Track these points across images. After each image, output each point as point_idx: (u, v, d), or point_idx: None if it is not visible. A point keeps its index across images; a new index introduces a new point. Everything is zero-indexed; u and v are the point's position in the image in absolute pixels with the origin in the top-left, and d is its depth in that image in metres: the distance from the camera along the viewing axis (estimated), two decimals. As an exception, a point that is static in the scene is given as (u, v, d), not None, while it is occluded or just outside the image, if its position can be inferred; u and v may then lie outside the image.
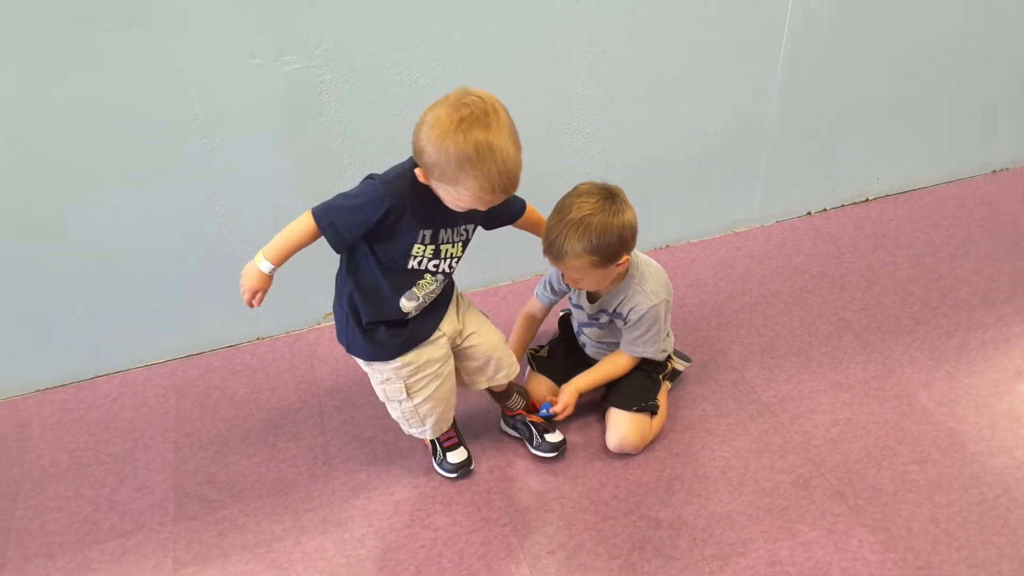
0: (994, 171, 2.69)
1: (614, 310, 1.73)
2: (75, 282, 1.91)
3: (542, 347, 1.95)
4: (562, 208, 1.58)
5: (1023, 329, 2.06)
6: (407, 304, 1.49)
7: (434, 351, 1.58)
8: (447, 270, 1.51)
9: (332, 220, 1.38)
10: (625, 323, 1.73)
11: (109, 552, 1.64)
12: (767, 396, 1.91)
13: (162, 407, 1.97)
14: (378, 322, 1.52)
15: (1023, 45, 2.44)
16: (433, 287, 1.51)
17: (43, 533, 1.69)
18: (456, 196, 1.33)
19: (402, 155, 1.42)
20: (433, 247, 1.45)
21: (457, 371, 1.68)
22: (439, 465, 1.76)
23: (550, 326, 2.05)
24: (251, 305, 1.46)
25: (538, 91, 2.00)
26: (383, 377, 1.60)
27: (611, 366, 1.79)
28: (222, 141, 1.82)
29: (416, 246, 1.43)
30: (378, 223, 1.38)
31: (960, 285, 2.22)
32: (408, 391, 1.59)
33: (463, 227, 1.49)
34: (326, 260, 2.08)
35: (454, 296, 1.63)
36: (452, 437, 1.76)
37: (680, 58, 2.09)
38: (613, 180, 2.22)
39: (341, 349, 2.08)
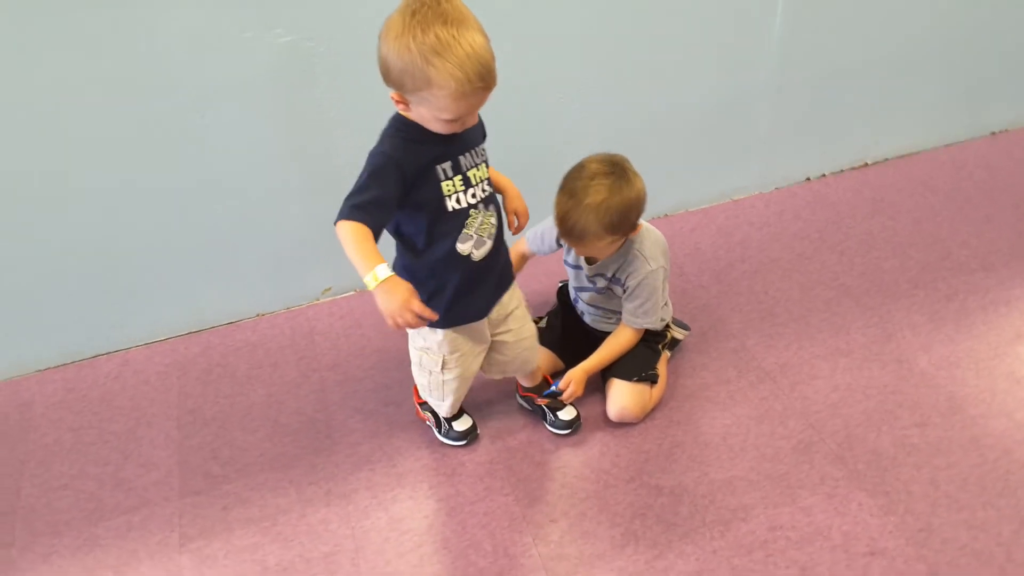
0: (992, 133, 2.67)
1: (613, 275, 1.73)
2: (74, 261, 1.90)
3: (540, 318, 1.95)
4: (575, 191, 1.57)
5: (1023, 292, 2.06)
6: (463, 247, 1.44)
7: (478, 334, 1.58)
8: (483, 195, 1.44)
9: (355, 203, 1.29)
10: (624, 290, 1.73)
11: (115, 528, 1.66)
12: (767, 363, 1.91)
13: (164, 384, 1.97)
14: (438, 287, 1.48)
15: (1021, 6, 2.42)
16: (480, 219, 1.45)
17: (49, 511, 1.70)
18: (436, 104, 1.25)
19: (397, 125, 1.40)
20: (460, 177, 1.39)
21: None
22: (445, 436, 1.77)
23: (548, 296, 2.05)
24: (423, 317, 1.29)
25: (534, 63, 1.98)
26: (424, 344, 1.58)
27: (616, 343, 1.79)
28: (215, 116, 1.80)
29: (443, 184, 1.38)
30: (398, 183, 1.32)
31: (959, 248, 2.21)
32: (444, 365, 1.59)
33: (477, 148, 1.43)
34: (322, 235, 2.08)
35: (512, 285, 1.61)
36: (454, 405, 1.76)
37: (677, 25, 2.07)
38: (610, 149, 2.20)
39: (342, 324, 2.10)
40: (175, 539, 1.63)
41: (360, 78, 1.85)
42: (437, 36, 1.19)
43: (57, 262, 1.89)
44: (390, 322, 1.30)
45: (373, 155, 1.36)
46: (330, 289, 2.19)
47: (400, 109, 1.33)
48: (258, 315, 2.16)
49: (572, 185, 1.59)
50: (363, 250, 1.27)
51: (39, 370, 2.03)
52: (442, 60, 1.19)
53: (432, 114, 1.28)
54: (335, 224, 1.30)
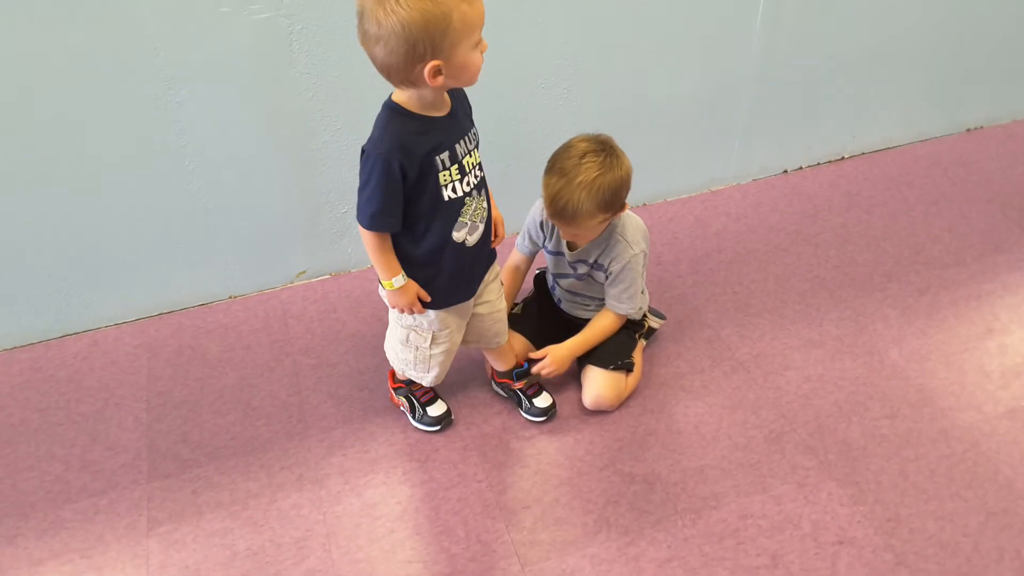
0: (968, 130, 2.70)
1: (595, 260, 1.72)
2: (42, 239, 1.86)
3: (516, 305, 1.94)
4: (566, 170, 1.56)
5: (994, 286, 2.08)
6: (459, 235, 1.46)
7: (465, 310, 1.60)
8: (475, 181, 1.46)
9: (372, 213, 1.38)
10: (607, 276, 1.73)
11: (82, 511, 1.63)
12: (741, 353, 1.92)
13: (133, 366, 1.94)
14: (433, 271, 1.50)
15: (999, 3, 2.44)
16: (475, 206, 1.47)
17: (14, 493, 1.67)
18: (464, 30, 1.23)
19: (375, 104, 1.38)
20: (456, 166, 1.40)
21: None
22: (419, 421, 1.76)
23: (526, 284, 2.04)
24: (423, 311, 1.54)
25: (515, 46, 1.96)
26: (414, 323, 1.58)
27: (599, 327, 1.78)
28: (189, 93, 1.77)
29: (441, 175, 1.39)
30: (403, 183, 1.35)
31: (933, 243, 2.24)
32: (433, 341, 1.60)
33: (469, 133, 1.44)
34: (298, 217, 2.06)
35: (494, 263, 1.63)
36: (428, 391, 1.76)
37: (660, 15, 2.06)
38: (590, 136, 2.17)
39: (316, 308, 2.08)
40: (143, 523, 1.61)
41: (339, 57, 1.83)
42: None
43: (26, 240, 1.85)
44: (395, 309, 1.55)
45: (374, 157, 1.34)
46: (305, 272, 2.16)
47: (436, 84, 1.28)
48: (231, 297, 2.13)
49: (562, 164, 1.58)
50: (384, 259, 1.45)
51: (5, 349, 1.99)
52: None
53: (465, 47, 1.26)
54: (361, 228, 1.42)
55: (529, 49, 1.99)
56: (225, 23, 1.70)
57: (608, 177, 1.56)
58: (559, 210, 1.58)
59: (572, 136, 1.63)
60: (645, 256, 1.74)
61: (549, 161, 1.61)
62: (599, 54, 2.07)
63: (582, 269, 1.76)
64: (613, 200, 1.59)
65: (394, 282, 1.47)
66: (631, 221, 1.72)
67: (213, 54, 1.74)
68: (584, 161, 1.56)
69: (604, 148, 1.58)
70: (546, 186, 1.59)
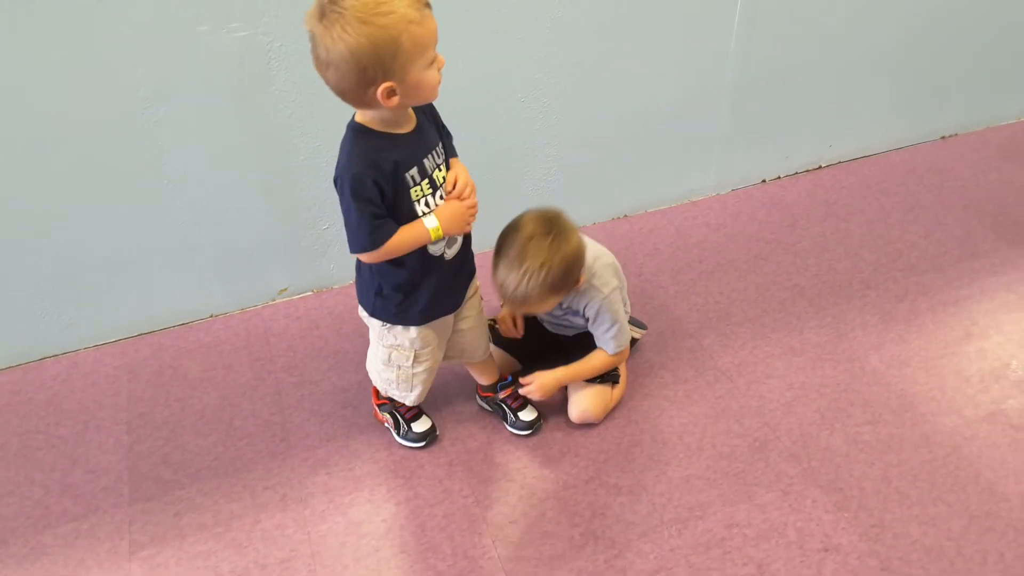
0: (943, 137, 2.74)
1: (568, 306, 1.72)
2: (19, 261, 1.85)
3: (502, 319, 1.95)
4: (512, 257, 1.54)
5: (971, 291, 2.11)
6: (436, 248, 1.46)
7: (446, 325, 1.60)
8: (445, 195, 1.46)
9: (368, 233, 1.36)
10: (586, 320, 1.72)
11: (63, 536, 1.61)
12: (723, 362, 1.93)
13: (113, 387, 1.92)
14: (414, 288, 1.49)
15: (973, 13, 2.48)
16: None
17: (-7, 519, 1.65)
18: (414, 52, 1.24)
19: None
20: (427, 181, 1.40)
21: None
22: (403, 437, 1.75)
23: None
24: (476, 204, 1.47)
25: (493, 61, 1.97)
26: (395, 342, 1.57)
27: (592, 364, 1.75)
28: (168, 111, 1.76)
29: (412, 191, 1.39)
30: (380, 195, 1.35)
31: (910, 250, 2.26)
32: (415, 359, 1.59)
33: (438, 147, 1.44)
34: (279, 235, 2.05)
35: (474, 278, 1.63)
36: (413, 408, 1.75)
37: (636, 27, 2.08)
38: (570, 150, 2.21)
39: (298, 325, 2.07)
40: (125, 547, 1.59)
41: (317, 74, 1.82)
42: (363, 4, 1.19)
43: (3, 262, 1.83)
44: (465, 230, 1.48)
45: (348, 181, 1.33)
46: (286, 289, 2.15)
47: (391, 105, 1.28)
48: (212, 316, 2.11)
49: (508, 250, 1.55)
50: (410, 237, 1.40)
51: (-18, 373, 1.97)
52: (387, 7, 1.19)
53: (419, 67, 1.26)
54: (365, 255, 1.40)
55: (508, 63, 2.00)
56: (203, 42, 1.70)
57: (557, 259, 1.53)
58: (509, 297, 1.58)
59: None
60: (620, 290, 1.73)
61: (498, 240, 1.59)
62: (577, 67, 2.08)
63: (557, 312, 1.74)
64: (564, 281, 1.57)
65: (429, 227, 1.40)
66: (598, 264, 1.69)
67: (192, 72, 1.73)
68: (531, 244, 1.53)
69: (551, 228, 1.55)
70: (495, 272, 1.58)
